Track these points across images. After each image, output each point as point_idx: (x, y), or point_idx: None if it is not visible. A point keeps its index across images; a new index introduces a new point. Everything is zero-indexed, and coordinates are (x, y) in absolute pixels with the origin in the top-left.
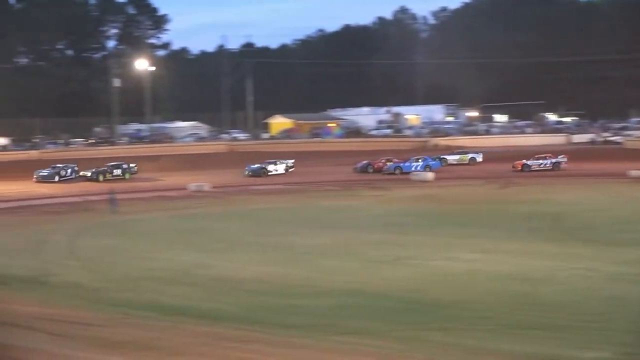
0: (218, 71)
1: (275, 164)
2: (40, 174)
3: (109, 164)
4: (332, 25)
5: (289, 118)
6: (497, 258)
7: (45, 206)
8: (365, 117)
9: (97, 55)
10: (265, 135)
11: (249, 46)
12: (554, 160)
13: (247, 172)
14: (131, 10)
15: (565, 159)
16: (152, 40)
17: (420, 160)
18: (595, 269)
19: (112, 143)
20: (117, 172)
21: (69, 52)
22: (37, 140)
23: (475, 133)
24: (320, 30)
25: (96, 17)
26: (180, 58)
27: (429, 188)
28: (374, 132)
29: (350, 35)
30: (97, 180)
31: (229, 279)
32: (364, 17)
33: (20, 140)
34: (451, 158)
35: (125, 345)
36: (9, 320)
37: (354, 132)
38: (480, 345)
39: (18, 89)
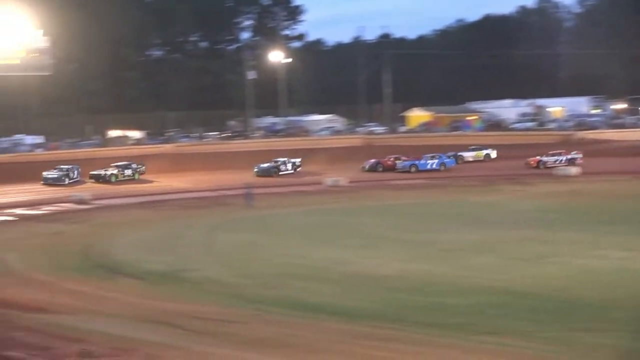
0: (354, 63)
1: (285, 163)
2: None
3: (116, 164)
4: (472, 15)
5: (428, 111)
6: None
7: (182, 200)
8: (507, 109)
9: (232, 47)
10: (403, 129)
11: (386, 37)
12: (568, 157)
13: (256, 172)
14: (266, 1)
15: (580, 155)
16: (287, 32)
17: (435, 158)
18: None
19: (246, 136)
20: (128, 172)
21: (203, 45)
22: (172, 133)
23: (622, 126)
24: (460, 20)
25: (231, 9)
26: (315, 49)
27: (572, 183)
28: (515, 125)
29: (491, 25)
30: (109, 181)
31: (368, 276)
32: (505, 6)
33: (155, 133)
34: (467, 155)
35: (263, 342)
36: (147, 315)
37: (495, 125)
38: (632, 347)
39: (152, 82)
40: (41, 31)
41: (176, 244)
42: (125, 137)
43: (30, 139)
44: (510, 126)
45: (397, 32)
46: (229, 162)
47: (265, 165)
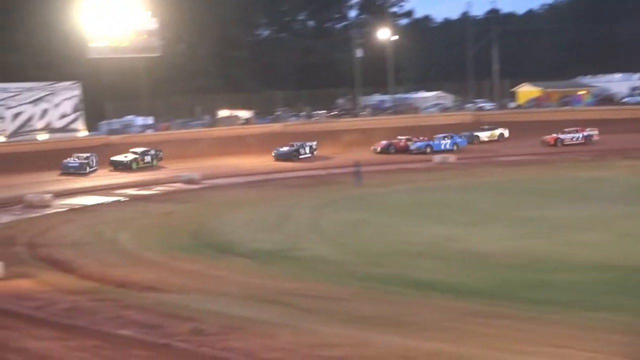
0: (462, 39)
1: (303, 147)
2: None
3: (135, 149)
4: None
5: (537, 86)
6: None
7: (290, 179)
8: (618, 83)
9: (339, 26)
10: (512, 105)
11: (494, 12)
12: (585, 134)
13: (275, 156)
14: None
15: (596, 132)
16: (395, 9)
17: (447, 139)
18: None
19: (355, 114)
20: (147, 158)
21: (310, 23)
22: (280, 112)
23: None
24: None
25: None
26: (423, 26)
27: None
28: (627, 100)
29: None
30: (131, 168)
31: (477, 253)
32: None
33: (263, 113)
34: (483, 135)
35: (372, 319)
36: (256, 294)
37: (606, 99)
38: None
39: (260, 62)
40: (150, 13)
41: (284, 222)
42: (235, 116)
43: (140, 120)
44: (622, 100)
45: (506, 8)
46: (337, 140)
47: (285, 149)
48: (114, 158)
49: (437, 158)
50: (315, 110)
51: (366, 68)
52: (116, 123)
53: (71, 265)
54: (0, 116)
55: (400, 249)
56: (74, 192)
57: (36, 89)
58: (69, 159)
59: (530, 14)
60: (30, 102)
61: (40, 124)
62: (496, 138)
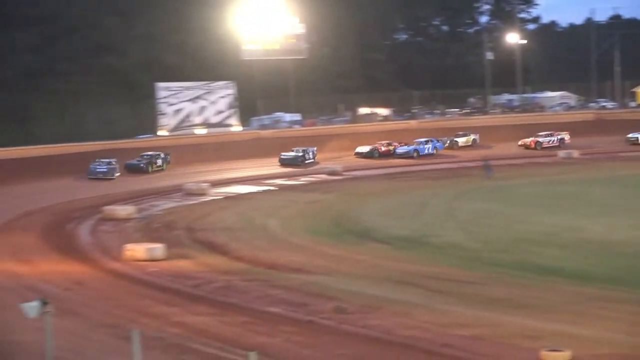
0: (586, 43)
1: (307, 152)
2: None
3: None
4: None
5: None
6: None
7: (423, 172)
8: None
9: (471, 31)
10: (633, 104)
11: (616, 18)
12: (559, 137)
13: (280, 161)
14: None
15: (568, 136)
16: (523, 15)
17: (429, 143)
18: None
19: (485, 112)
20: (158, 162)
21: (445, 28)
22: (416, 110)
23: None
24: None
25: None
26: (549, 31)
27: None
28: None
29: None
30: (147, 171)
31: (599, 242)
32: None
33: (401, 111)
34: (460, 140)
35: (500, 302)
36: (393, 276)
37: None
38: None
39: (398, 64)
40: (297, 19)
41: (419, 211)
42: (374, 114)
43: (288, 117)
44: None
45: (628, 13)
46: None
47: (291, 154)
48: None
49: (562, 153)
50: (449, 109)
51: (496, 69)
52: (266, 119)
53: (225, 248)
54: (162, 112)
55: (526, 237)
56: (228, 182)
57: (195, 87)
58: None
59: None
60: (189, 100)
61: (198, 120)
62: (470, 143)
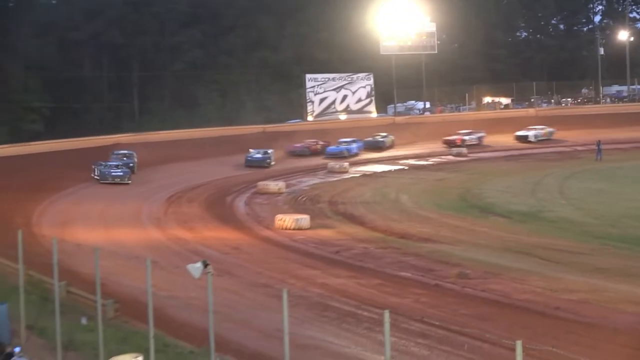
0: None
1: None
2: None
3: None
4: None
5: None
6: None
7: (540, 154)
8: None
9: (585, 29)
10: None
11: None
12: (478, 135)
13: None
14: None
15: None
16: (634, 14)
17: (354, 143)
18: None
19: (596, 102)
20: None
21: (561, 27)
22: (533, 100)
23: None
24: None
25: None
26: None
27: None
28: None
29: None
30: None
31: None
32: None
33: (519, 100)
34: (386, 140)
35: (606, 271)
36: (511, 246)
37: None
38: None
39: (519, 58)
40: (428, 18)
41: (535, 189)
42: (497, 102)
43: (420, 105)
44: None
45: None
46: (586, 123)
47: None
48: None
49: None
50: (564, 98)
51: (607, 64)
52: (400, 107)
53: (362, 219)
54: (309, 100)
55: (632, 213)
56: (366, 162)
57: (338, 79)
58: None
59: None
60: (333, 89)
61: (340, 107)
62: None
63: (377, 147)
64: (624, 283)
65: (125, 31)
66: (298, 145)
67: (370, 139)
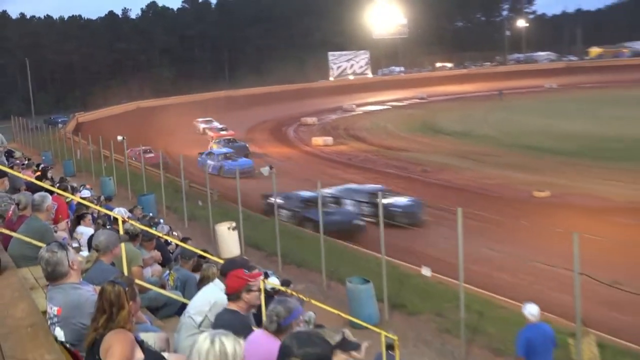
0: None
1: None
2: None
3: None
4: None
5: None
6: None
7: (470, 97)
8: None
9: (498, 19)
10: None
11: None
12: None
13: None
14: None
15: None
16: (527, 9)
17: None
18: None
19: (503, 64)
20: None
21: (482, 18)
22: (466, 64)
23: None
24: None
25: None
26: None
27: None
28: None
29: None
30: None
31: (570, 132)
32: None
33: (458, 64)
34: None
35: (512, 166)
36: (453, 152)
37: None
38: None
39: (457, 38)
40: (402, 14)
41: (468, 118)
42: (444, 66)
43: (397, 69)
44: None
45: None
46: (497, 77)
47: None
48: None
49: (547, 84)
50: (485, 62)
51: (511, 40)
52: (386, 70)
53: (364, 139)
54: (331, 68)
55: (528, 130)
56: (366, 104)
57: (347, 54)
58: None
59: None
60: (345, 61)
61: (349, 72)
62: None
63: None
64: (522, 173)
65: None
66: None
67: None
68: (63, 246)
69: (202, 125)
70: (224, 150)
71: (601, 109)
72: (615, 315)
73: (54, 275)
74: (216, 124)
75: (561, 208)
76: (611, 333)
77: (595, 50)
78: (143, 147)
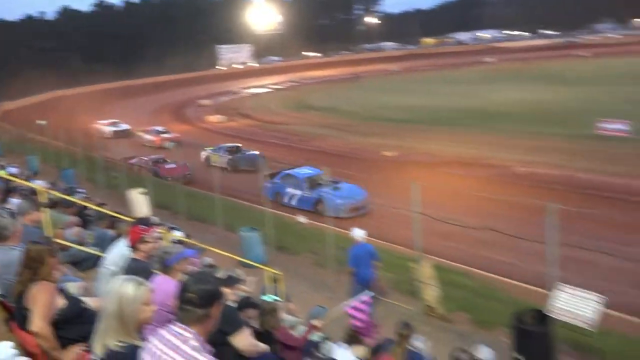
0: None
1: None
2: None
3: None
4: None
5: None
6: None
7: (333, 80)
8: None
9: (353, 17)
10: None
11: None
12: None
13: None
14: None
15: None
16: (376, 8)
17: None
18: None
19: (357, 52)
20: None
21: (341, 15)
22: (331, 52)
23: None
24: None
25: None
26: None
27: None
28: None
29: None
30: None
31: (404, 105)
32: None
33: (326, 54)
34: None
35: (371, 134)
36: (321, 124)
37: None
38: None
39: (322, 34)
40: (278, 13)
41: (332, 96)
42: (310, 55)
43: (274, 58)
44: None
45: None
46: (351, 64)
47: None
48: None
49: (395, 67)
50: (342, 51)
51: (364, 33)
52: (266, 60)
53: (251, 116)
54: (219, 58)
55: (380, 105)
56: (251, 87)
57: (232, 47)
58: None
59: None
60: (231, 53)
61: (235, 62)
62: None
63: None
64: (375, 139)
65: None
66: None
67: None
68: (12, 214)
69: (148, 137)
70: (309, 171)
71: (434, 86)
72: (448, 244)
73: None
74: (124, 125)
75: (406, 164)
76: (446, 258)
77: (427, 41)
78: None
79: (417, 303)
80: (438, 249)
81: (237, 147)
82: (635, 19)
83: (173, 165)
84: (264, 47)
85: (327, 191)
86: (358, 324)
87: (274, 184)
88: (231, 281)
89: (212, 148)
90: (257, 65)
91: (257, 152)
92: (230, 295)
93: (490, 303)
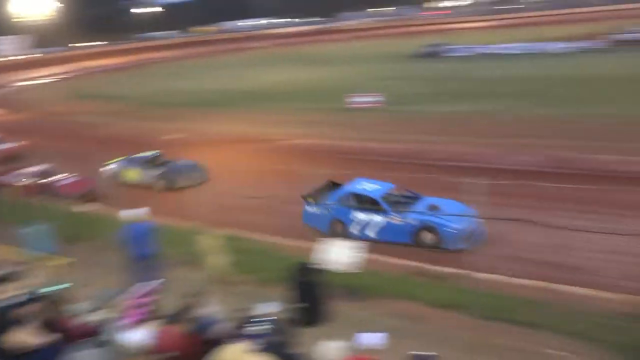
0: None
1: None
2: None
3: None
4: None
5: None
6: None
7: (112, 68)
8: None
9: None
10: None
11: None
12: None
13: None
14: None
15: None
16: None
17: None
18: None
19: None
20: None
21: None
22: (92, 44)
23: None
24: None
25: None
26: None
27: None
28: None
29: None
30: None
31: (187, 90)
32: None
33: (115, 43)
34: None
35: (151, 117)
36: (116, 112)
37: None
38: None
39: (97, 22)
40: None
41: (113, 87)
42: (89, 45)
43: (54, 49)
44: None
45: None
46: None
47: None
48: None
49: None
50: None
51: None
52: (46, 50)
53: (33, 108)
54: None
55: (163, 91)
56: (30, 79)
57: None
58: None
59: None
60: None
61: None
62: None
63: None
64: (155, 122)
65: None
66: None
67: None
68: None
69: None
70: (376, 186)
71: (213, 71)
72: (243, 216)
73: None
74: None
75: (192, 145)
76: (247, 229)
77: (198, 29)
78: None
79: (203, 273)
80: (241, 221)
81: (156, 156)
82: (369, 9)
83: (73, 179)
84: (46, 37)
85: (431, 216)
86: (145, 310)
87: (328, 208)
88: (11, 277)
89: (115, 161)
90: (40, 55)
91: (192, 161)
92: (11, 292)
93: (272, 263)
